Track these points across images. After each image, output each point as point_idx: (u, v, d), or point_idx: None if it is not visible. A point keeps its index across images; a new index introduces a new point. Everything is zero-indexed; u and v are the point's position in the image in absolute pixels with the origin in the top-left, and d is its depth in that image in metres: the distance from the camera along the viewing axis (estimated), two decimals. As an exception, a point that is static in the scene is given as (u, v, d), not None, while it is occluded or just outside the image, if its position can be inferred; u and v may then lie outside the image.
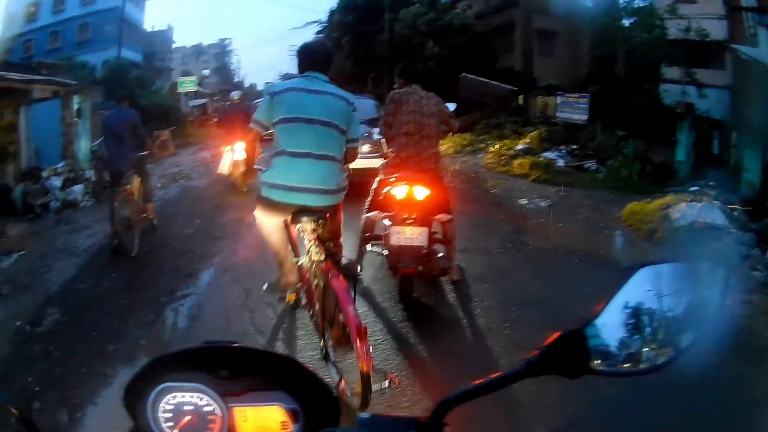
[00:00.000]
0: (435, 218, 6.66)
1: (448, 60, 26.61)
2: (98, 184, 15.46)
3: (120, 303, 7.25)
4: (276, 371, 1.39)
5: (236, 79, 69.21)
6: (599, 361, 1.20)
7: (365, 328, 4.05)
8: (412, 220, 6.36)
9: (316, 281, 4.96)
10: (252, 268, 7.72)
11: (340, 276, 4.45)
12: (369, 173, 7.82)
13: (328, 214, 4.98)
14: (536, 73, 25.96)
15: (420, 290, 6.82)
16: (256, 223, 5.47)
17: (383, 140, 7.43)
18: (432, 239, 6.56)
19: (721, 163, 17.88)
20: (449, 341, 5.86)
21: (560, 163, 16.96)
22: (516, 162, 16.66)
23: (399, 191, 6.47)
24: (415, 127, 6.74)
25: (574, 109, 20.13)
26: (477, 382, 1.22)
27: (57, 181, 14.49)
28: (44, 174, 14.60)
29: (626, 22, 24.27)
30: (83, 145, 17.51)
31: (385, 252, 6.64)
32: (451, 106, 7.32)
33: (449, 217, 6.88)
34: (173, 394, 1.36)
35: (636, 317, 1.22)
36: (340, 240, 5.66)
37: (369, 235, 7.06)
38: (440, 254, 6.82)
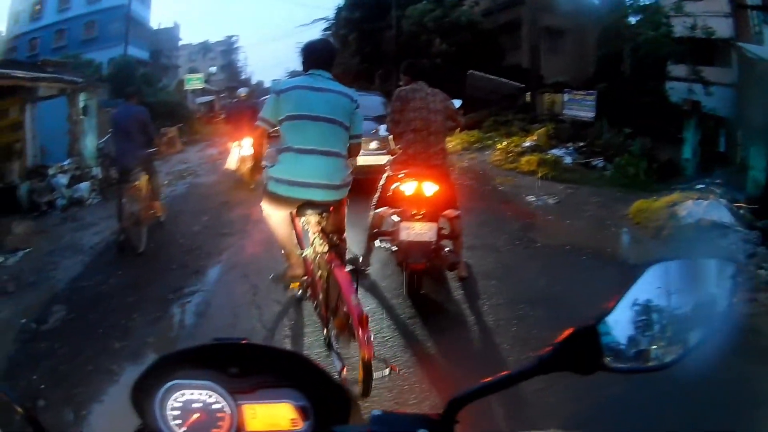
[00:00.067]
0: (443, 214, 6.70)
1: (456, 57, 26.57)
2: (105, 181, 15.54)
3: (126, 300, 7.22)
4: (286, 368, 1.37)
5: (243, 76, 69.13)
6: (611, 358, 1.19)
7: (367, 317, 4.17)
8: (421, 216, 6.40)
9: (319, 272, 5.06)
10: (260, 265, 7.69)
11: (343, 266, 4.62)
12: (376, 170, 7.88)
13: (332, 208, 5.15)
14: (543, 70, 26.00)
15: (428, 287, 6.81)
16: (263, 215, 5.58)
17: (390, 137, 7.46)
18: (440, 235, 6.61)
19: (728, 161, 17.85)
20: (457, 338, 5.88)
21: (567, 160, 16.99)
22: (523, 159, 16.69)
23: (408, 187, 6.51)
24: (422, 124, 6.80)
25: (581, 107, 20.19)
26: (489, 379, 1.21)
27: (63, 179, 14.46)
28: (50, 172, 14.55)
29: (632, 20, 24.23)
30: (89, 143, 17.48)
31: (394, 248, 6.71)
32: (457, 103, 7.43)
33: (457, 212, 6.91)
34: (181, 392, 1.34)
35: (647, 314, 1.21)
36: (345, 235, 5.69)
37: (377, 231, 7.08)
38: (448, 249, 6.86)
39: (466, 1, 30.44)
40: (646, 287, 1.23)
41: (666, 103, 21.50)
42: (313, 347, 5.43)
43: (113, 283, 7.97)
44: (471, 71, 24.22)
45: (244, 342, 1.36)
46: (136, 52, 39.40)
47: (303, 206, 5.05)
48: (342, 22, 37.32)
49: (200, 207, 12.67)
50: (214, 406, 1.34)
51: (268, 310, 6.58)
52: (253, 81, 66.38)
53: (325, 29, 40.56)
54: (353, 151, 5.57)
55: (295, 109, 5.15)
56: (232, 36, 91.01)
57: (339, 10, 38.23)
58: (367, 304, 6.30)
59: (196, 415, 1.34)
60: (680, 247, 8.31)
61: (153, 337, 6.30)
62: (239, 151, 13.74)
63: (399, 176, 6.68)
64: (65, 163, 15.47)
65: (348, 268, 4.69)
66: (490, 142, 20.57)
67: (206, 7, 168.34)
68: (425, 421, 1.23)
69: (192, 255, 8.99)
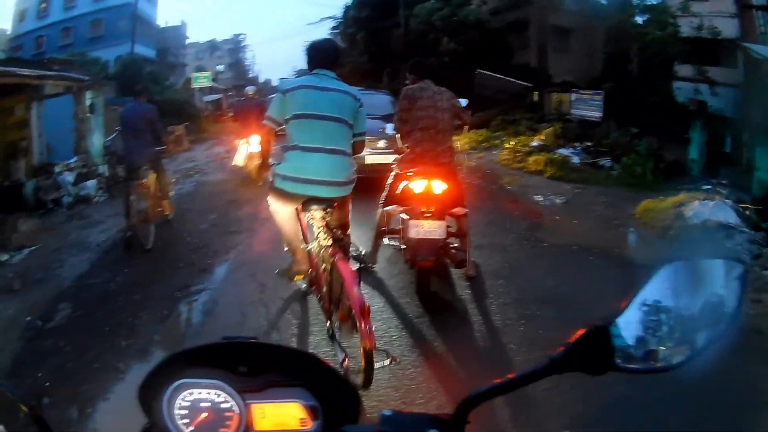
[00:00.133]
0: (451, 212, 6.78)
1: (463, 56, 26.55)
2: (112, 179, 15.56)
3: (133, 298, 7.22)
4: (295, 367, 1.37)
5: (251, 75, 69.18)
6: (622, 359, 1.17)
7: (368, 308, 4.32)
8: (430, 214, 6.44)
9: (324, 266, 5.17)
10: (267, 263, 7.60)
11: (347, 260, 4.79)
12: (384, 169, 7.93)
13: (336, 204, 5.30)
14: (551, 69, 26.06)
15: (436, 286, 6.84)
16: (270, 210, 5.70)
17: (397, 135, 7.48)
18: (447, 233, 6.65)
19: (734, 162, 17.84)
20: (464, 337, 5.89)
21: (575, 160, 17.03)
22: (531, 158, 16.73)
23: (417, 185, 6.55)
24: (429, 122, 6.82)
25: (588, 106, 20.19)
26: (501, 379, 1.20)
27: (69, 177, 14.51)
28: (56, 169, 14.60)
29: (639, 20, 24.22)
30: (96, 141, 17.52)
31: (402, 246, 6.78)
32: (463, 102, 7.48)
33: (465, 210, 6.97)
34: (190, 391, 1.34)
35: (658, 315, 1.20)
36: (349, 230, 5.79)
37: (385, 229, 7.15)
38: (455, 246, 6.91)
39: (473, 0, 30.40)
40: (657, 288, 1.22)
41: (673, 103, 21.55)
42: (320, 346, 5.43)
43: (120, 281, 7.96)
44: (479, 70, 24.22)
45: (253, 341, 1.36)
46: (143, 50, 39.49)
47: (308, 202, 5.20)
48: (350, 20, 37.36)
49: (207, 205, 12.68)
50: (223, 406, 1.34)
51: (275, 308, 6.57)
52: (261, 79, 66.49)
53: (333, 28, 40.83)
54: (357, 149, 5.68)
55: (301, 108, 5.25)
56: (240, 34, 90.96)
57: (347, 8, 38.23)
58: (375, 303, 6.38)
59: (204, 415, 1.34)
60: (687, 248, 8.31)
61: (160, 335, 6.30)
62: (247, 148, 13.85)
63: (408, 174, 6.71)
64: (72, 160, 15.53)
65: (356, 265, 4.80)
66: (497, 141, 20.64)
67: (213, 5, 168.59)
68: (436, 421, 1.22)
69: (199, 253, 8.99)
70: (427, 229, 6.40)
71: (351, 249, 5.24)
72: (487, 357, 5.49)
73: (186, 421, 1.34)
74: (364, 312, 4.26)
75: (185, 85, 42.67)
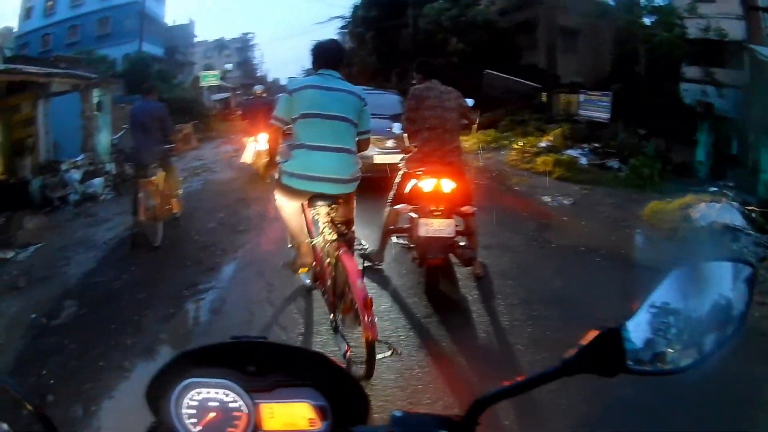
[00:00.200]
0: (460, 210, 6.88)
1: (472, 56, 26.69)
2: (119, 177, 15.60)
3: (139, 296, 7.21)
4: (304, 367, 1.36)
5: (259, 74, 69.39)
6: (633, 361, 1.17)
7: (371, 300, 4.48)
8: (439, 212, 6.53)
9: (328, 260, 5.34)
10: (275, 262, 7.60)
11: (350, 254, 5.01)
12: (393, 168, 7.98)
13: (341, 201, 5.47)
14: (559, 70, 26.18)
15: (443, 286, 6.90)
16: (276, 204, 5.85)
17: (405, 135, 7.54)
18: (456, 231, 6.73)
19: (740, 164, 17.83)
20: (472, 337, 5.92)
21: (583, 161, 17.14)
22: (539, 159, 16.80)
23: (426, 184, 6.63)
24: (437, 122, 6.91)
25: (596, 107, 20.18)
26: (513, 381, 1.20)
27: (76, 174, 14.51)
28: (63, 167, 14.61)
29: (647, 21, 24.21)
30: (103, 139, 17.53)
31: (410, 244, 6.98)
32: (470, 102, 7.52)
33: (473, 209, 7.06)
34: (198, 390, 1.32)
35: (668, 318, 1.20)
36: (353, 227, 5.88)
37: (392, 227, 7.24)
38: (463, 244, 7.02)
39: (482, 0, 30.51)
40: (668, 291, 1.22)
41: (680, 105, 21.52)
42: (327, 345, 5.41)
43: (126, 279, 7.94)
44: (487, 71, 24.28)
45: (262, 340, 1.35)
46: (151, 48, 39.66)
47: (314, 198, 5.36)
48: (359, 20, 37.54)
49: (215, 204, 12.69)
50: (231, 405, 1.33)
51: (283, 307, 6.59)
52: (269, 78, 66.73)
53: (342, 27, 41.07)
54: (362, 146, 5.80)
55: (308, 108, 5.38)
56: (248, 33, 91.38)
57: (356, 8, 38.39)
58: (383, 303, 6.46)
59: (212, 414, 1.33)
60: (693, 250, 8.31)
61: (166, 333, 6.29)
62: (255, 146, 14.00)
63: (417, 173, 6.78)
64: (79, 158, 15.52)
65: (364, 263, 5.34)
66: (506, 141, 20.76)
67: (221, 4, 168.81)
68: (446, 422, 1.22)
69: (207, 251, 8.99)
70: (437, 227, 6.48)
71: (357, 246, 5.29)
72: (494, 358, 5.49)
73: (194, 420, 1.33)
74: (367, 304, 4.41)
75: (193, 84, 42.79)
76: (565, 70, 26.24)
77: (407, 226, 7.11)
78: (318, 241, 5.53)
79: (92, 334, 6.12)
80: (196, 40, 60.39)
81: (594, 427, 4.24)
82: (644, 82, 22.49)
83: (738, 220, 9.51)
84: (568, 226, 10.46)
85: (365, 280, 5.00)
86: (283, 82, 52.85)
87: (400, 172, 7.35)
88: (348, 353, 4.76)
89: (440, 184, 6.60)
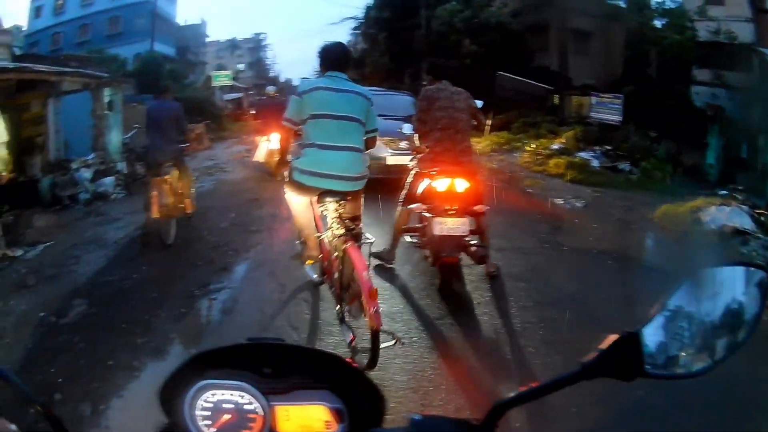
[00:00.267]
0: (473, 209, 6.96)
1: (484, 58, 26.82)
2: (130, 176, 15.61)
3: (150, 295, 7.20)
4: (321, 369, 1.35)
5: (271, 74, 69.50)
6: (651, 365, 1.17)
7: (376, 290, 4.69)
8: (453, 211, 6.65)
9: (336, 254, 5.46)
10: (287, 263, 7.62)
11: (357, 247, 5.14)
12: (404, 169, 8.11)
13: (349, 197, 5.61)
14: (571, 72, 26.18)
15: (456, 287, 6.99)
16: (286, 199, 6.14)
17: (415, 136, 7.61)
18: (468, 230, 6.83)
19: (750, 167, 17.80)
20: (484, 340, 5.95)
21: (595, 163, 17.25)
22: (552, 161, 16.92)
23: (440, 184, 6.76)
24: (448, 122, 7.03)
25: (608, 110, 20.36)
26: (531, 385, 1.20)
27: (87, 173, 14.49)
28: (73, 166, 14.60)
29: (658, 23, 24.24)
30: (114, 138, 17.54)
31: (423, 243, 7.11)
32: (479, 103, 7.64)
33: (485, 208, 7.15)
34: (213, 392, 1.31)
35: (683, 322, 1.20)
36: (360, 223, 5.89)
37: (405, 227, 7.38)
38: (476, 243, 7.07)
39: (494, 2, 30.60)
40: (685, 295, 1.21)
41: (691, 108, 21.55)
42: (340, 347, 5.41)
43: (137, 278, 7.93)
44: (500, 72, 24.32)
45: (279, 342, 1.35)
46: (162, 47, 39.87)
47: (323, 194, 5.52)
48: (371, 21, 37.65)
49: (227, 203, 12.69)
50: (246, 407, 1.32)
51: (295, 308, 6.59)
52: (282, 78, 66.71)
53: (355, 28, 41.17)
54: (369, 145, 5.98)
55: (317, 109, 5.56)
56: (260, 33, 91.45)
57: (368, 9, 38.45)
58: (395, 305, 6.51)
59: (226, 416, 1.32)
60: (704, 253, 8.31)
61: (176, 333, 6.26)
62: (267, 145, 14.23)
63: (431, 173, 6.86)
64: (89, 157, 15.51)
65: (371, 258, 5.41)
66: (519, 143, 20.84)
67: (234, 4, 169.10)
68: (466, 426, 1.22)
69: (219, 251, 8.98)
70: (451, 226, 6.60)
71: (365, 240, 5.41)
72: (506, 360, 5.49)
73: (208, 422, 1.32)
74: (372, 294, 4.62)
75: (205, 84, 43.01)
76: (577, 72, 26.34)
77: (419, 225, 7.25)
78: (326, 235, 5.70)
79: (101, 333, 6.11)
80: (208, 40, 60.84)
81: (604, 429, 4.24)
82: (655, 84, 22.62)
83: (748, 224, 9.57)
84: (580, 229, 10.49)
85: (371, 273, 5.42)
86: (295, 82, 52.90)
87: (412, 172, 7.45)
88: (353, 342, 5.00)
89: (454, 184, 6.70)
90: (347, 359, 1.38)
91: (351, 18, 41.07)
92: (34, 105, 14.87)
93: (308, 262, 6.64)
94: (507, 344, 5.80)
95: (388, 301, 6.46)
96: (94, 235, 10.60)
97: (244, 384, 1.31)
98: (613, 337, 1.17)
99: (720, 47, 21.46)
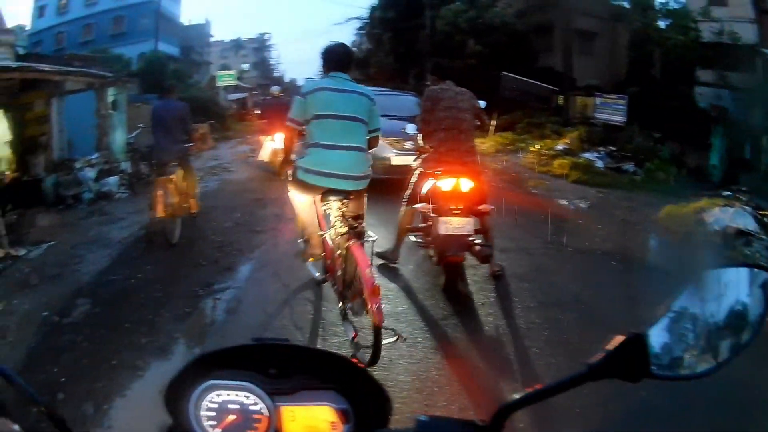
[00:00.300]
0: (477, 209, 6.95)
1: (489, 58, 26.83)
2: (134, 176, 15.63)
3: (154, 295, 7.20)
4: (326, 370, 1.34)
5: (276, 74, 69.77)
6: (657, 367, 1.17)
7: (378, 287, 4.76)
8: (458, 211, 6.68)
9: (339, 251, 5.60)
10: (291, 263, 7.70)
11: (360, 244, 5.21)
12: (408, 169, 8.13)
13: (352, 196, 5.68)
14: (575, 73, 26.25)
15: (461, 288, 6.99)
16: (290, 197, 6.22)
17: (419, 136, 7.64)
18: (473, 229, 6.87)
19: (753, 168, 17.79)
20: (488, 340, 5.94)
21: (599, 164, 17.34)
22: (556, 162, 16.97)
23: (445, 184, 6.78)
24: (452, 122, 7.11)
25: (612, 110, 20.45)
26: (538, 386, 1.19)
27: (90, 173, 14.50)
28: (77, 165, 14.60)
29: (662, 24, 24.24)
30: (119, 137, 17.54)
31: (428, 242, 7.20)
32: (482, 104, 7.70)
33: (490, 207, 7.16)
34: (218, 392, 1.31)
35: (688, 323, 1.20)
36: (363, 222, 5.89)
37: (409, 226, 7.43)
38: (480, 242, 7.09)
39: (498, 3, 30.58)
40: (690, 297, 1.22)
41: (694, 108, 21.54)
42: (344, 347, 5.44)
43: (141, 278, 7.91)
44: (504, 73, 24.32)
45: (284, 342, 1.35)
46: (167, 47, 39.98)
47: (327, 193, 5.61)
48: (376, 21, 37.84)
49: (232, 203, 12.70)
50: (252, 408, 1.32)
51: (299, 308, 6.59)
52: (286, 78, 67.08)
53: (359, 28, 41.28)
54: (372, 144, 6.03)
55: (321, 109, 5.63)
56: (265, 33, 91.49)
57: (373, 9, 38.64)
58: (400, 305, 6.54)
59: (231, 417, 1.31)
60: (707, 255, 8.30)
61: (180, 332, 6.24)
62: (272, 145, 14.22)
63: (435, 173, 6.88)
64: (93, 157, 15.49)
65: (373, 257, 5.43)
66: (523, 144, 20.85)
67: (238, 4, 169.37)
68: (472, 427, 1.22)
69: (223, 251, 8.98)
70: (456, 225, 6.63)
71: (368, 238, 5.43)
72: (510, 361, 5.50)
73: (213, 423, 1.31)
74: (375, 291, 4.68)
75: (209, 84, 43.11)
76: (582, 72, 26.41)
77: (423, 225, 7.35)
78: (329, 233, 5.79)
79: (105, 333, 6.10)
80: (212, 39, 61.05)
81: (608, 430, 4.24)
82: (659, 85, 22.63)
83: (751, 225, 9.55)
84: (584, 229, 10.48)
85: (374, 270, 5.35)
86: (300, 82, 53.16)
87: (416, 172, 7.50)
88: (355, 338, 5.12)
89: (459, 184, 6.73)
90: (353, 359, 1.38)
91: (356, 18, 41.44)
92: (38, 104, 14.82)
93: (310, 259, 6.69)
94: (511, 345, 5.80)
95: (392, 301, 6.48)
96: (97, 234, 10.59)
97: (249, 384, 1.30)
98: (619, 339, 1.16)
99: (723, 48, 21.47)
